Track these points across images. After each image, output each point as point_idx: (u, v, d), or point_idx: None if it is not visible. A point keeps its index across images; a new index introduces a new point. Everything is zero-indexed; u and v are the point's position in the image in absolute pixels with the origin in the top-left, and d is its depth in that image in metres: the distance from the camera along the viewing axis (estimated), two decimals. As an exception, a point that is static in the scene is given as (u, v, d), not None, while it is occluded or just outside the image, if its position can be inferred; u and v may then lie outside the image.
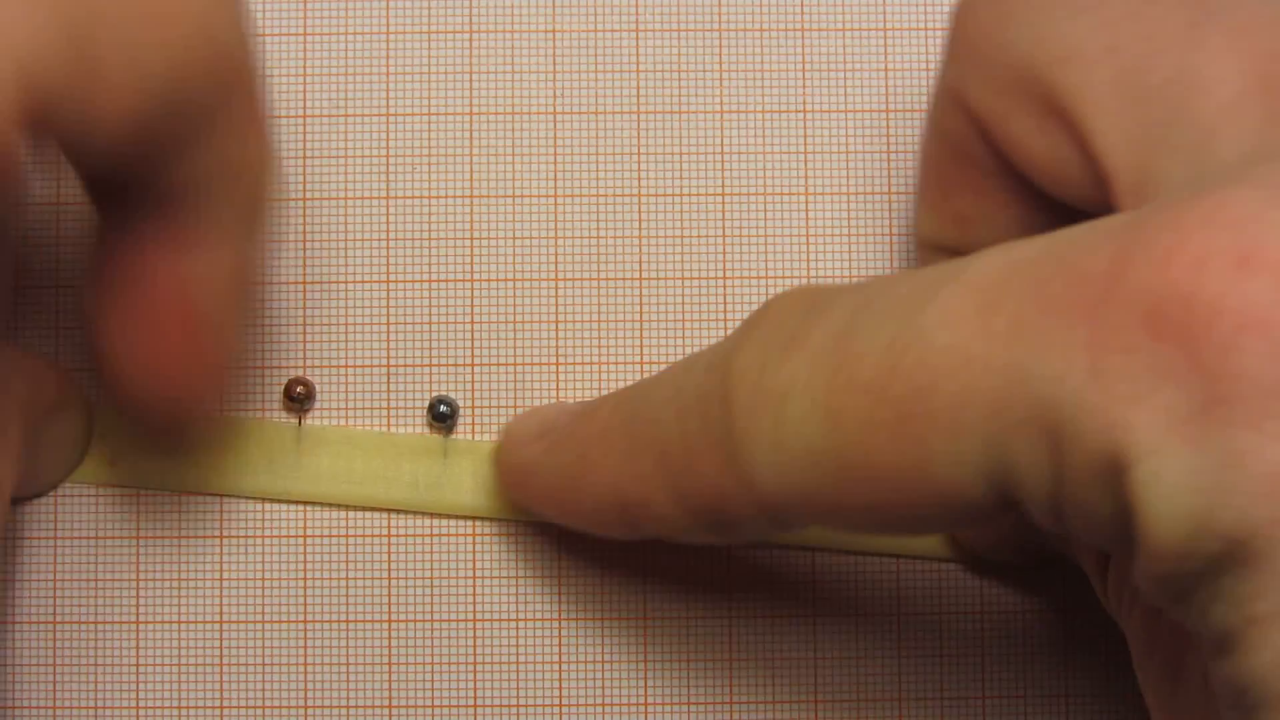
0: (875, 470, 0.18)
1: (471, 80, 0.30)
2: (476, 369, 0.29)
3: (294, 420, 0.29)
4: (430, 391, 0.29)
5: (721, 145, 0.30)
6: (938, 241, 0.25)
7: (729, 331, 0.29)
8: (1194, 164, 0.19)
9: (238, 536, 0.29)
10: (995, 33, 0.22)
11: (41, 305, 0.29)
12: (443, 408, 0.29)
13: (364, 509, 0.29)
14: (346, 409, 0.29)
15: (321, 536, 0.29)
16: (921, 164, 0.25)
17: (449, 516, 0.29)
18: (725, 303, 0.29)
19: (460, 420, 0.29)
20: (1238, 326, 0.16)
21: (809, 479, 0.19)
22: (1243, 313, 0.16)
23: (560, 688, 0.29)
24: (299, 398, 0.29)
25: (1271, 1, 0.19)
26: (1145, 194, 0.19)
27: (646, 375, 0.29)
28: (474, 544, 0.29)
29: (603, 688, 0.29)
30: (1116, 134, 0.20)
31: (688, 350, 0.29)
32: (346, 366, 0.29)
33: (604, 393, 0.29)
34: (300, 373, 0.29)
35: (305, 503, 0.29)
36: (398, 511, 0.29)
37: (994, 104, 0.22)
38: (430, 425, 0.29)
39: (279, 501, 0.29)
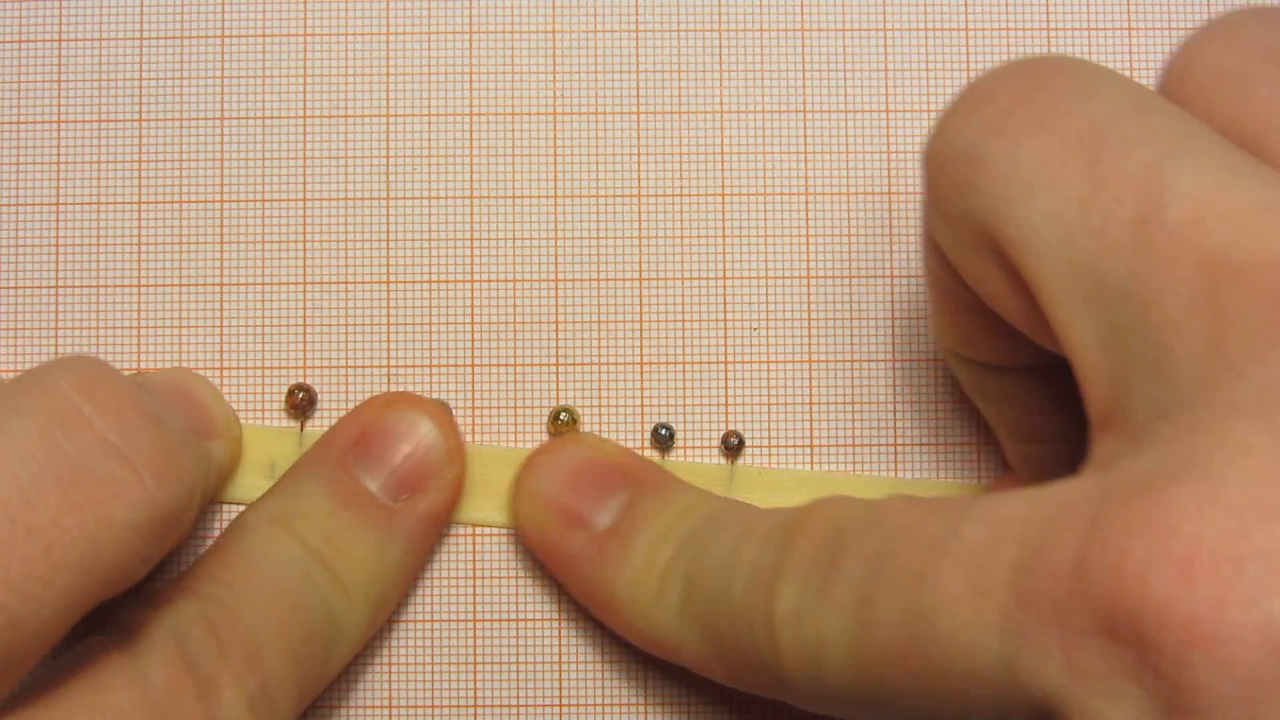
0: (909, 702, 0.20)
1: (471, 80, 0.30)
2: (476, 369, 0.29)
3: (296, 426, 0.29)
4: (430, 393, 0.29)
5: (721, 145, 0.30)
6: (955, 350, 0.25)
7: (729, 330, 0.29)
8: (1157, 380, 0.18)
9: (238, 537, 0.29)
10: (959, 198, 0.21)
11: (41, 305, 0.29)
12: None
13: None
14: (347, 410, 0.29)
15: (322, 537, 0.29)
16: (927, 286, 0.25)
17: (453, 523, 0.29)
18: (725, 303, 0.29)
19: (460, 420, 0.29)
20: (1186, 641, 0.16)
21: (851, 703, 0.22)
22: (1190, 625, 0.16)
23: (560, 688, 0.29)
24: (301, 404, 0.29)
25: (1224, 186, 0.18)
26: (1119, 405, 0.19)
27: (646, 374, 0.29)
28: (474, 544, 0.29)
29: (603, 688, 0.29)
30: (1085, 335, 0.19)
31: (688, 350, 0.29)
32: (347, 367, 0.29)
33: (604, 392, 0.29)
34: (301, 374, 0.29)
35: None
36: None
37: (967, 261, 0.22)
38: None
39: None
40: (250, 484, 0.28)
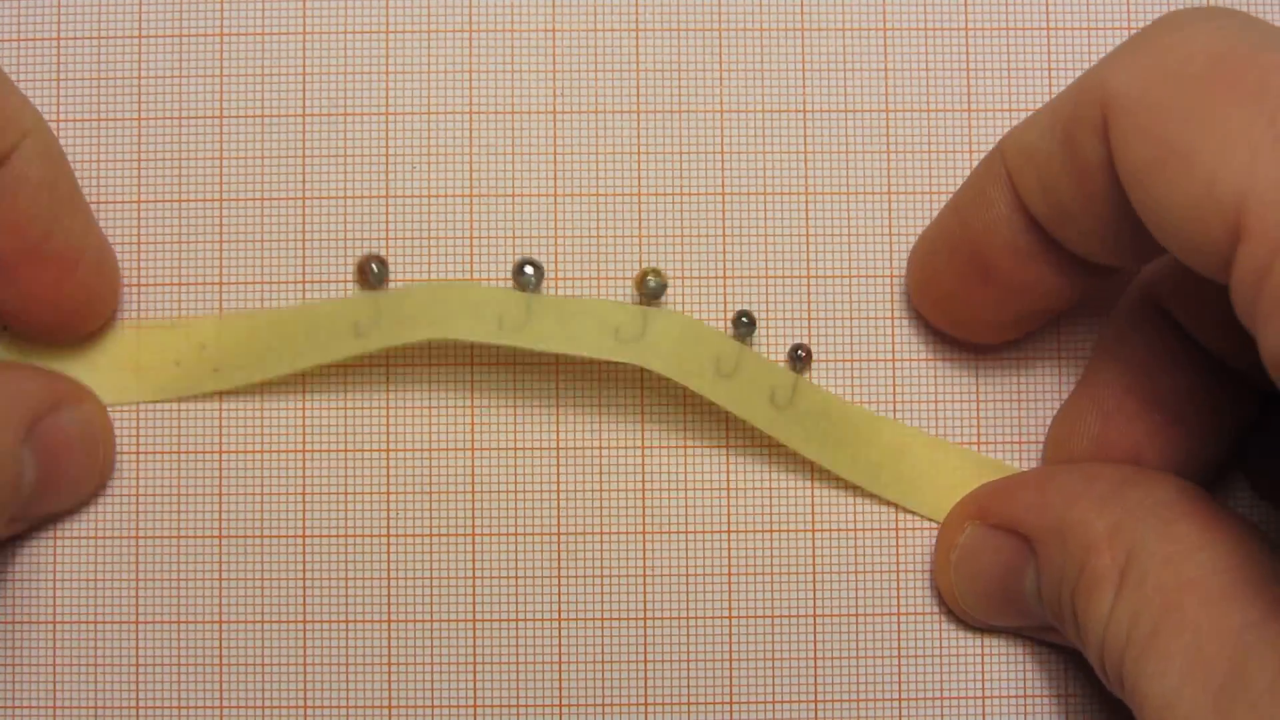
0: None
1: (471, 80, 0.30)
2: (476, 369, 0.29)
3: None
4: (430, 395, 0.29)
5: (721, 145, 0.30)
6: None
7: (729, 331, 0.29)
8: None
9: (237, 536, 0.29)
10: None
11: (41, 305, 0.29)
12: (528, 268, 0.28)
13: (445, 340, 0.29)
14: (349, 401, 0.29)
15: (321, 536, 0.29)
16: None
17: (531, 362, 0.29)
18: (725, 302, 0.29)
19: (463, 424, 0.29)
20: None
21: None
22: None
23: (560, 688, 0.29)
24: (372, 275, 0.28)
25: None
26: None
27: (646, 373, 0.29)
28: (474, 544, 0.29)
29: (603, 688, 0.29)
30: None
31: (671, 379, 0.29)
32: (346, 367, 0.29)
33: (604, 392, 0.29)
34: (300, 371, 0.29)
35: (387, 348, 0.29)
36: (482, 345, 0.29)
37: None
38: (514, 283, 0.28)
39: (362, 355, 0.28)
40: (338, 348, 0.28)
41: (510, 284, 0.28)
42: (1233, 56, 0.21)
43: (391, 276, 0.29)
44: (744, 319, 0.28)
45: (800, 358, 0.28)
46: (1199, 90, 0.21)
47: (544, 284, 0.29)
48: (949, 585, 0.28)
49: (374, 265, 0.28)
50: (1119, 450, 0.27)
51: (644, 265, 0.29)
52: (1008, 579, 0.27)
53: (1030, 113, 0.25)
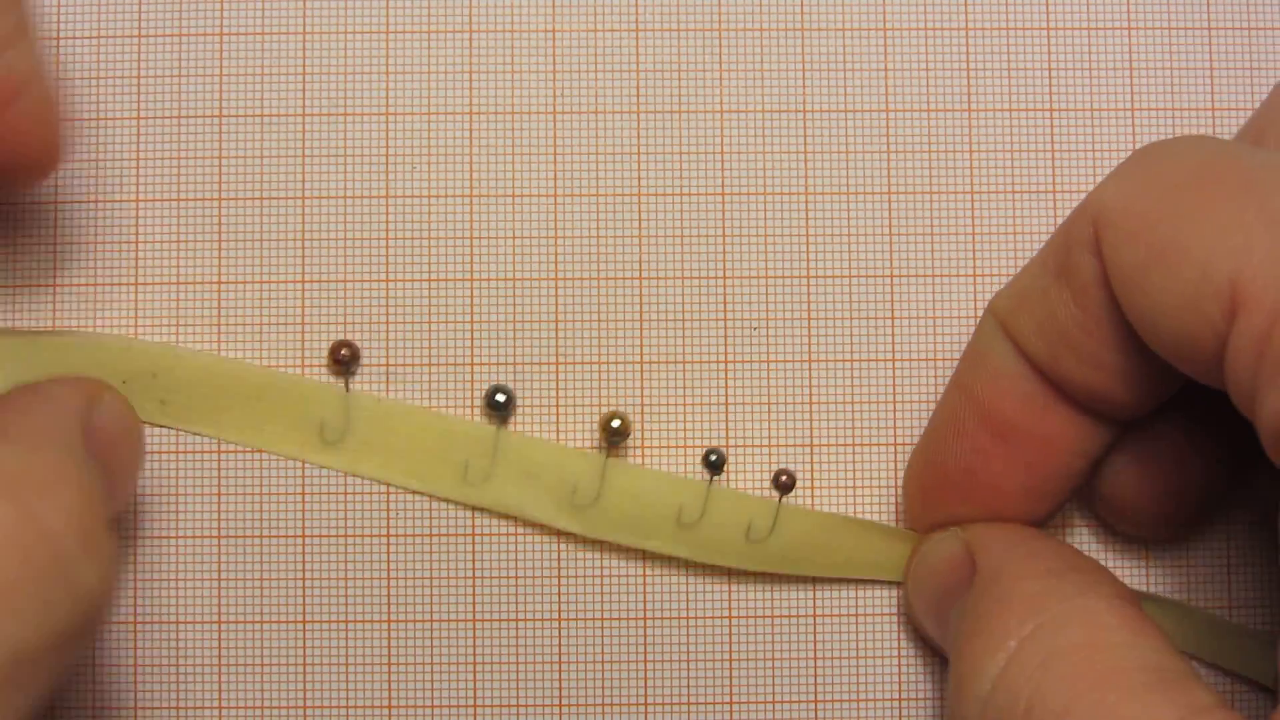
0: None
1: (471, 80, 0.30)
2: (476, 368, 0.29)
3: (340, 384, 0.29)
4: (429, 391, 0.29)
5: (721, 145, 0.30)
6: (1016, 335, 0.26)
7: (729, 330, 0.29)
8: None
9: (235, 536, 0.29)
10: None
11: (39, 304, 0.29)
12: (499, 396, 0.28)
13: (405, 491, 0.29)
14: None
15: (321, 536, 0.29)
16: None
17: (489, 514, 0.29)
18: (725, 302, 0.29)
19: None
20: None
21: None
22: None
23: (560, 688, 0.29)
24: (344, 360, 0.28)
25: None
26: None
27: (646, 374, 0.29)
28: (473, 544, 0.29)
29: (603, 688, 0.29)
30: None
31: (688, 350, 0.29)
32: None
33: (604, 392, 0.29)
34: (299, 372, 0.29)
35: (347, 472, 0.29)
36: (440, 500, 0.29)
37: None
38: (486, 414, 0.29)
39: (321, 466, 0.29)
40: (304, 440, 0.29)
41: (507, 282, 0.28)
42: (1216, 163, 0.22)
43: (365, 363, 0.29)
44: (712, 457, 0.28)
45: (784, 484, 0.28)
46: (1186, 194, 0.22)
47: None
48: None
49: (344, 350, 0.28)
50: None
51: (608, 409, 0.29)
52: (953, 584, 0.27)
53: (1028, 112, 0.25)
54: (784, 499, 0.28)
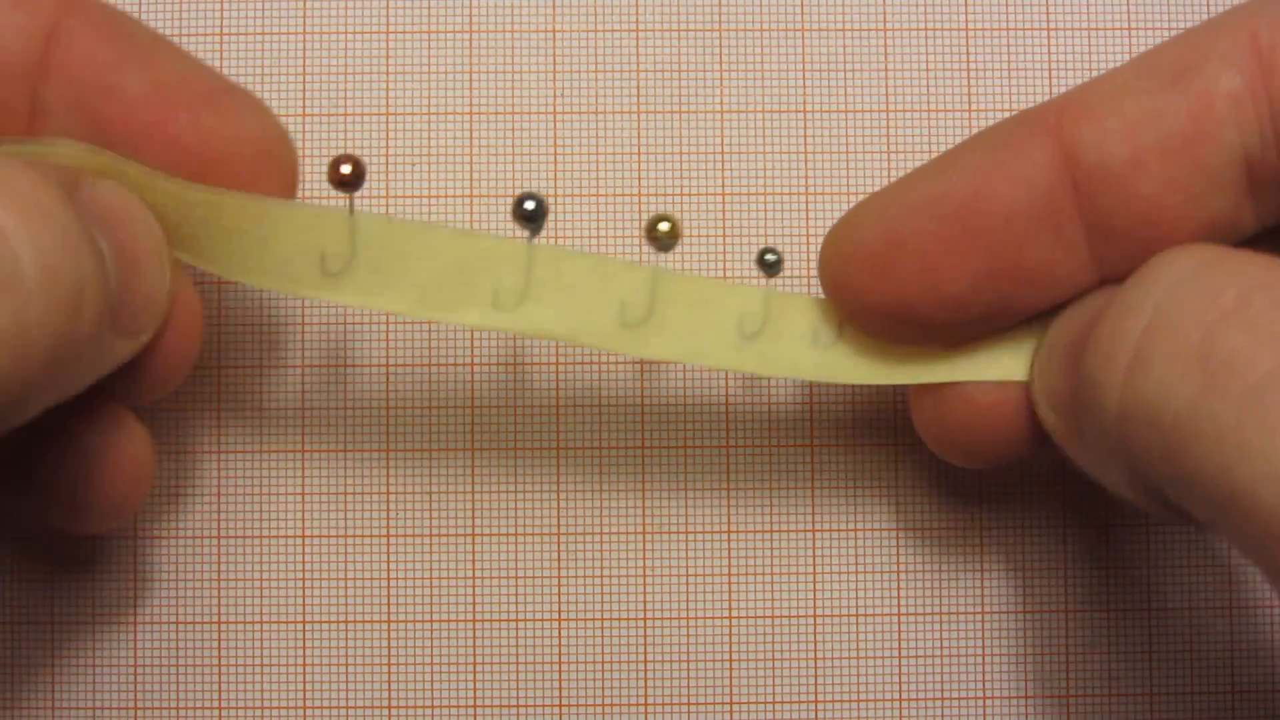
0: None
1: (471, 80, 0.30)
2: (476, 368, 0.29)
3: (344, 203, 0.24)
4: (430, 404, 0.29)
5: (721, 145, 0.30)
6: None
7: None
8: None
9: (236, 536, 0.29)
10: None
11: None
12: (528, 204, 0.24)
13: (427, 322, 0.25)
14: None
15: (320, 536, 0.29)
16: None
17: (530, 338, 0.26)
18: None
19: (460, 415, 0.29)
20: None
21: None
22: None
23: (560, 688, 0.29)
24: (347, 179, 0.24)
25: None
26: None
27: (646, 374, 0.29)
28: (473, 544, 0.29)
29: (603, 688, 0.29)
30: None
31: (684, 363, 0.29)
32: (346, 367, 0.29)
33: (604, 392, 0.29)
34: (298, 371, 0.29)
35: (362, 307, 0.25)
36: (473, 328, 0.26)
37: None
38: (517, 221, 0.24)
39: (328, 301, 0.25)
40: (301, 273, 0.24)
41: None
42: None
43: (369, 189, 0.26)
44: (769, 256, 0.25)
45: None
46: None
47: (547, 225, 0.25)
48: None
49: (346, 166, 0.24)
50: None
51: (654, 212, 0.26)
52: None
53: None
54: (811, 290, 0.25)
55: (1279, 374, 0.19)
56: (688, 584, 0.29)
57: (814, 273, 0.29)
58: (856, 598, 0.29)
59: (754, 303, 0.25)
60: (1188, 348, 0.20)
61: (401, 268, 0.24)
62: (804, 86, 0.30)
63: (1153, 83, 0.23)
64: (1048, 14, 0.30)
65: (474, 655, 0.29)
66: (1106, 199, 0.23)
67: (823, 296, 0.25)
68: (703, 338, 0.25)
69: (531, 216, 0.24)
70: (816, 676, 0.29)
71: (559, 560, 0.29)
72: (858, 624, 0.29)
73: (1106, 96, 0.23)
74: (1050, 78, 0.30)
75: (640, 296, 0.24)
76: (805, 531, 0.29)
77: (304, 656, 0.29)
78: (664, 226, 0.24)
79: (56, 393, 0.21)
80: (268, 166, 0.24)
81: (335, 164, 0.24)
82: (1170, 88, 0.23)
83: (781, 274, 0.26)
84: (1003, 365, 0.25)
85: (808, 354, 0.25)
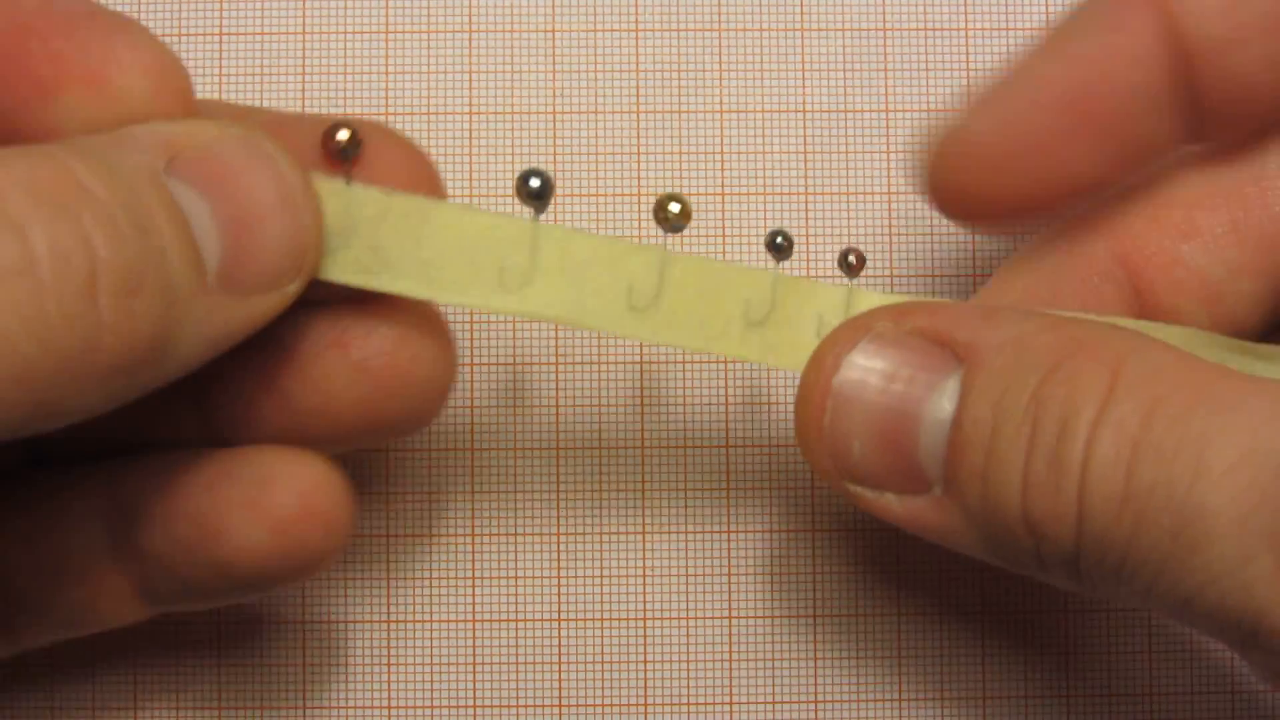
0: None
1: (471, 80, 0.30)
2: (476, 368, 0.29)
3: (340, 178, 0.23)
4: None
5: (721, 145, 0.30)
6: None
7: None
8: None
9: (236, 536, 0.29)
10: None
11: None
12: (534, 181, 0.23)
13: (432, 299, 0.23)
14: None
15: (321, 536, 0.29)
16: None
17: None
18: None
19: (456, 418, 0.29)
20: None
21: None
22: None
23: (560, 688, 0.29)
24: (342, 148, 0.22)
25: None
26: None
27: (646, 375, 0.29)
28: (473, 544, 0.29)
29: (602, 688, 0.29)
30: None
31: (686, 350, 0.29)
32: (346, 366, 0.29)
33: (604, 392, 0.29)
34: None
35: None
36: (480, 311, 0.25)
37: None
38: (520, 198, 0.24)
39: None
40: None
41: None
42: None
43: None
44: (779, 240, 0.24)
45: (851, 265, 0.25)
46: None
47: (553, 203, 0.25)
48: (818, 428, 0.23)
49: (342, 133, 0.22)
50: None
51: (665, 190, 0.25)
52: (904, 410, 0.22)
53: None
54: (854, 282, 0.25)
55: None
56: (687, 584, 0.29)
57: (814, 273, 0.29)
58: (856, 598, 0.29)
59: (762, 287, 0.24)
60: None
61: (401, 246, 0.23)
62: (803, 86, 0.30)
63: None
64: (1047, 14, 0.30)
65: (474, 655, 0.29)
66: (1207, 73, 0.23)
67: (828, 285, 0.25)
68: (709, 324, 0.24)
69: (538, 194, 0.23)
70: (816, 676, 0.29)
71: (559, 560, 0.29)
72: (858, 624, 0.29)
73: None
74: (1050, 78, 0.30)
75: (648, 278, 0.24)
76: (805, 531, 0.29)
77: (304, 657, 0.28)
78: (675, 207, 0.24)
79: (166, 366, 0.20)
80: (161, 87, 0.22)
81: (329, 133, 0.22)
82: None
83: (789, 259, 0.25)
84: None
85: (811, 344, 0.24)
